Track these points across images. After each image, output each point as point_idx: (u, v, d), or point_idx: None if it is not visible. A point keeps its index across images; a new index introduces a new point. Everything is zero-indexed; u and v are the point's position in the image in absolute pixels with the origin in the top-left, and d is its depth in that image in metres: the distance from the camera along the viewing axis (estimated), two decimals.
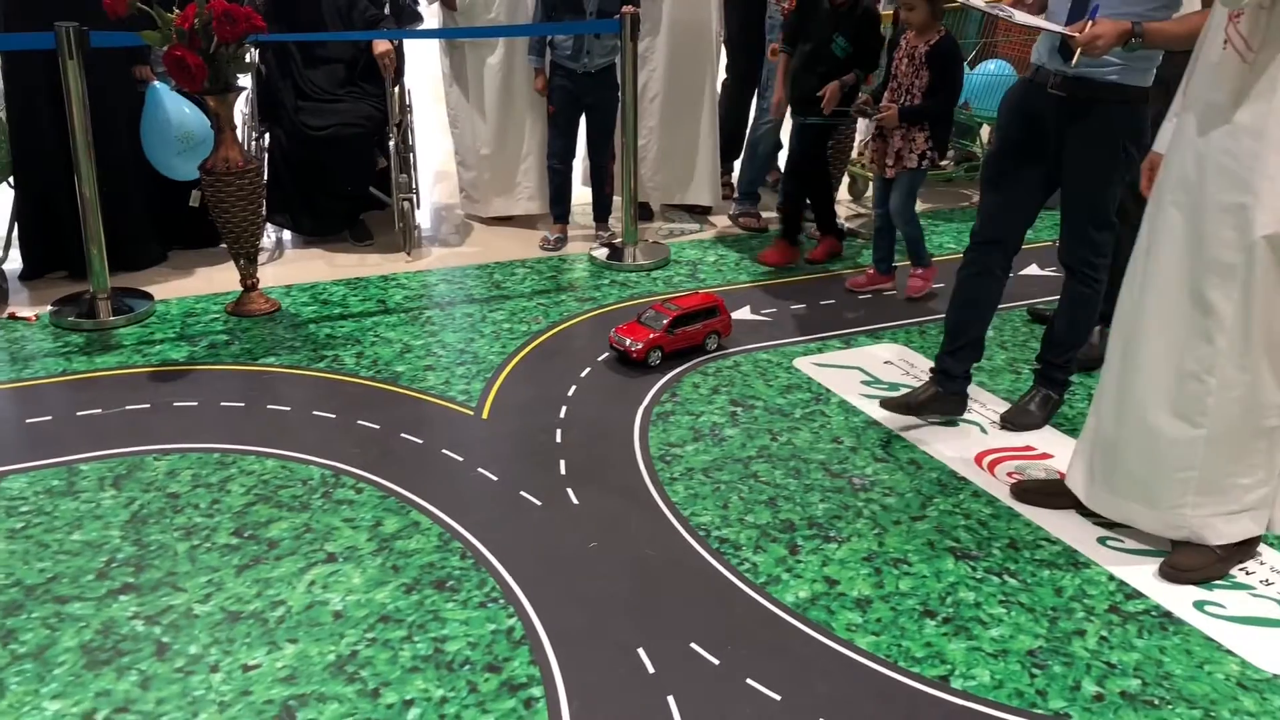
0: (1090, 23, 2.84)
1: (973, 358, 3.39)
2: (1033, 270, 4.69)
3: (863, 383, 3.63)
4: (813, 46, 4.46)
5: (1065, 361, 3.38)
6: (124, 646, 2.32)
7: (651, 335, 3.70)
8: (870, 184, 5.13)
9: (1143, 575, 2.64)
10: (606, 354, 3.79)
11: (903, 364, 3.79)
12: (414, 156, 4.98)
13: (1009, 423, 3.36)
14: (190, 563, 2.61)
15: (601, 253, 4.83)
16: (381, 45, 4.68)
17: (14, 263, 4.49)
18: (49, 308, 4.06)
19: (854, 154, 5.46)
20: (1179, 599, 2.55)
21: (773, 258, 4.73)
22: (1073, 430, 3.33)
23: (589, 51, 4.72)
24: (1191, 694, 2.25)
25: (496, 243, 5.07)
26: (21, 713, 2.13)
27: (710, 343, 3.85)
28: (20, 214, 4.35)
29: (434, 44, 5.47)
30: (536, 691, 2.22)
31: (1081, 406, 3.50)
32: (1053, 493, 2.93)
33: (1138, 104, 3.05)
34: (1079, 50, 2.84)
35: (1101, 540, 2.78)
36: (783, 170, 5.03)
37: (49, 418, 3.28)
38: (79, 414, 3.31)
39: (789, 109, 4.68)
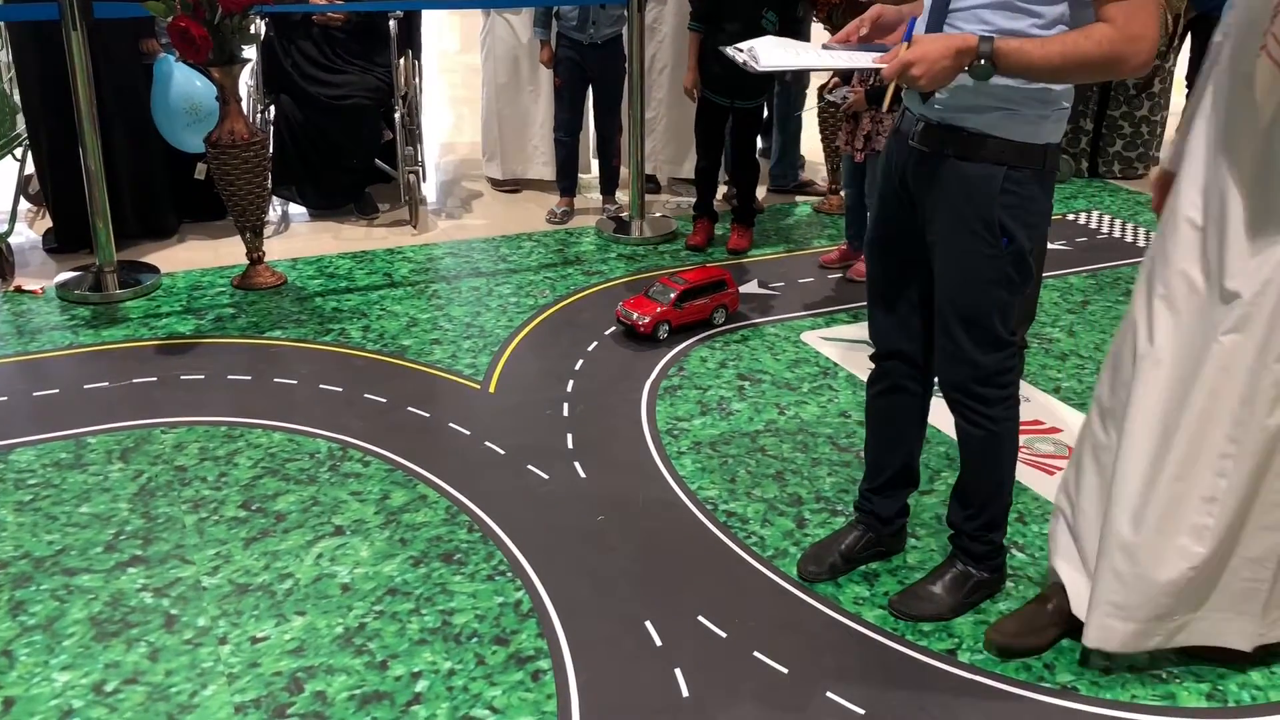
0: (905, 45, 1.97)
1: (905, 492, 2.56)
2: (1058, 246, 4.65)
3: (871, 357, 3.61)
4: (741, 26, 4.17)
5: (978, 529, 2.38)
6: (133, 618, 2.33)
7: (659, 309, 3.68)
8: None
9: None
10: (613, 328, 3.78)
11: None
12: (420, 129, 4.96)
13: (898, 610, 2.40)
14: (198, 535, 2.61)
15: (613, 225, 4.81)
16: None
17: (20, 236, 4.49)
18: (55, 280, 4.05)
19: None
20: None
21: (696, 239, 4.62)
22: (1081, 405, 3.32)
23: (595, 22, 4.68)
24: (1199, 668, 2.25)
25: (503, 216, 5.05)
26: (32, 683, 2.13)
27: (718, 317, 3.83)
28: (53, 189, 4.34)
29: (441, 17, 5.44)
30: (544, 664, 2.22)
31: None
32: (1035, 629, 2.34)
33: (1025, 166, 2.08)
34: (890, 88, 2.00)
35: None
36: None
37: (56, 390, 3.28)
38: (86, 387, 3.31)
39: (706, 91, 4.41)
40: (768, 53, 2.11)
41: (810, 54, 2.25)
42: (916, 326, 2.35)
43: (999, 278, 2.15)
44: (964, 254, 2.15)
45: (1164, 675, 2.22)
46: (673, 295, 3.71)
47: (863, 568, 2.54)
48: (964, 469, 2.37)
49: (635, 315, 3.68)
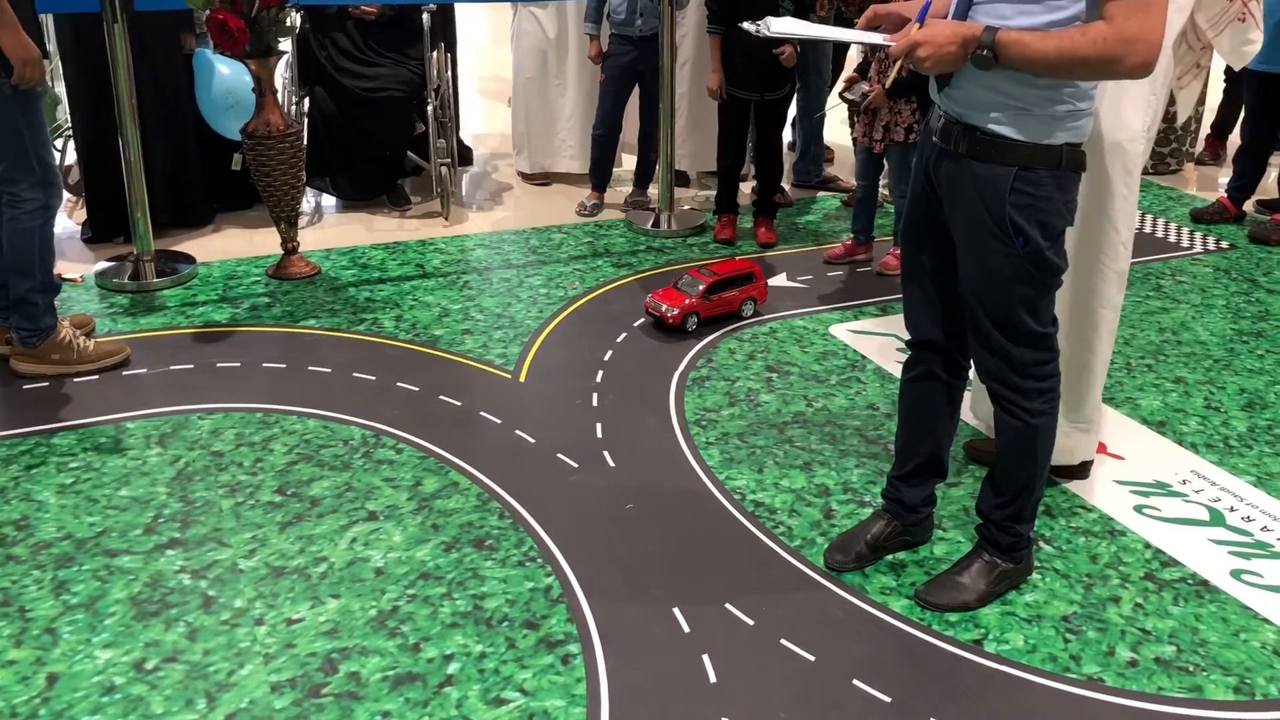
0: (916, 27, 2.06)
1: (932, 481, 2.57)
2: None
3: (898, 350, 3.62)
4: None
5: (1006, 519, 2.39)
6: (171, 599, 2.38)
7: (688, 301, 3.71)
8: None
9: (1179, 543, 2.63)
10: (643, 319, 3.81)
11: None
12: (453, 121, 5.00)
13: (924, 600, 2.41)
14: (235, 519, 2.66)
15: (643, 218, 4.82)
16: None
17: (59, 225, 4.56)
18: (94, 269, 4.12)
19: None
20: (1216, 568, 2.55)
21: (725, 233, 4.63)
22: (1109, 400, 3.31)
23: (641, 14, 4.70)
24: (1227, 661, 2.25)
25: (533, 208, 5.09)
26: (75, 660, 2.19)
27: (746, 309, 3.85)
28: (86, 180, 4.41)
29: (471, 9, 5.48)
30: (574, 648, 2.25)
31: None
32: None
33: (1039, 167, 2.08)
34: (895, 67, 2.11)
35: (1138, 509, 2.77)
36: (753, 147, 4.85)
37: (95, 377, 3.34)
38: (125, 373, 3.37)
39: (728, 88, 4.45)
40: (780, 21, 2.22)
41: (822, 27, 2.33)
42: (948, 318, 2.36)
43: (1019, 276, 2.15)
44: (982, 253, 2.17)
45: (1190, 668, 2.23)
46: (701, 287, 3.73)
47: (890, 558, 2.55)
48: (999, 457, 2.38)
49: (664, 307, 3.70)
